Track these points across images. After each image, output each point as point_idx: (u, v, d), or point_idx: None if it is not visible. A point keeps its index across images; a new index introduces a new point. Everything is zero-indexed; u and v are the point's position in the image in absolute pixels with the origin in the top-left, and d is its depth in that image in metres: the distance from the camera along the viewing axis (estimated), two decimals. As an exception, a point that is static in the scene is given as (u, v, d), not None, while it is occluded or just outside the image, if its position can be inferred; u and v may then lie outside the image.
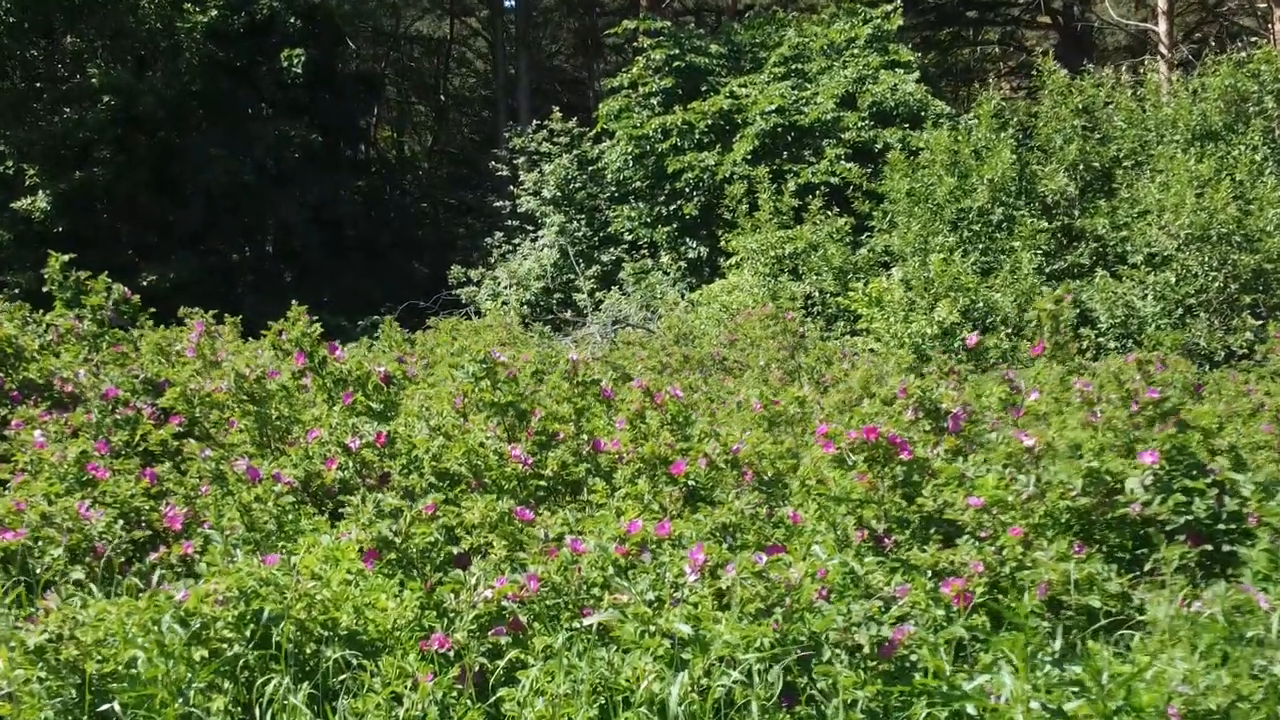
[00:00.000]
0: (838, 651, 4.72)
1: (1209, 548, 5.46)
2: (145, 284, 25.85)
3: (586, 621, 5.00)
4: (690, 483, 6.69)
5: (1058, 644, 4.23)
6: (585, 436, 7.61)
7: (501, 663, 4.98)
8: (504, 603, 5.13)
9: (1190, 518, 5.48)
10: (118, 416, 8.14)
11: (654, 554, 5.42)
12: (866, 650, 4.60)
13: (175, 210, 31.41)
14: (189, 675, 4.83)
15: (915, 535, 5.73)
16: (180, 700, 4.74)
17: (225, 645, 4.98)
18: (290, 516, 6.57)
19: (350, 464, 7.16)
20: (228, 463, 7.04)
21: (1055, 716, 3.94)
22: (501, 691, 4.82)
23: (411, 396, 8.60)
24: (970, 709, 4.22)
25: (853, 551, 5.47)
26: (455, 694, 4.86)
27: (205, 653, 4.90)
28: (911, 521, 5.77)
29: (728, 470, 6.74)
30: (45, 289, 10.46)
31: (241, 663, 4.97)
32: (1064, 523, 5.60)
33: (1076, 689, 4.03)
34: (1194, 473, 5.60)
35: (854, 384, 9.04)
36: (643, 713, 4.52)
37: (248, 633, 4.99)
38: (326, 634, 5.10)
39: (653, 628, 4.77)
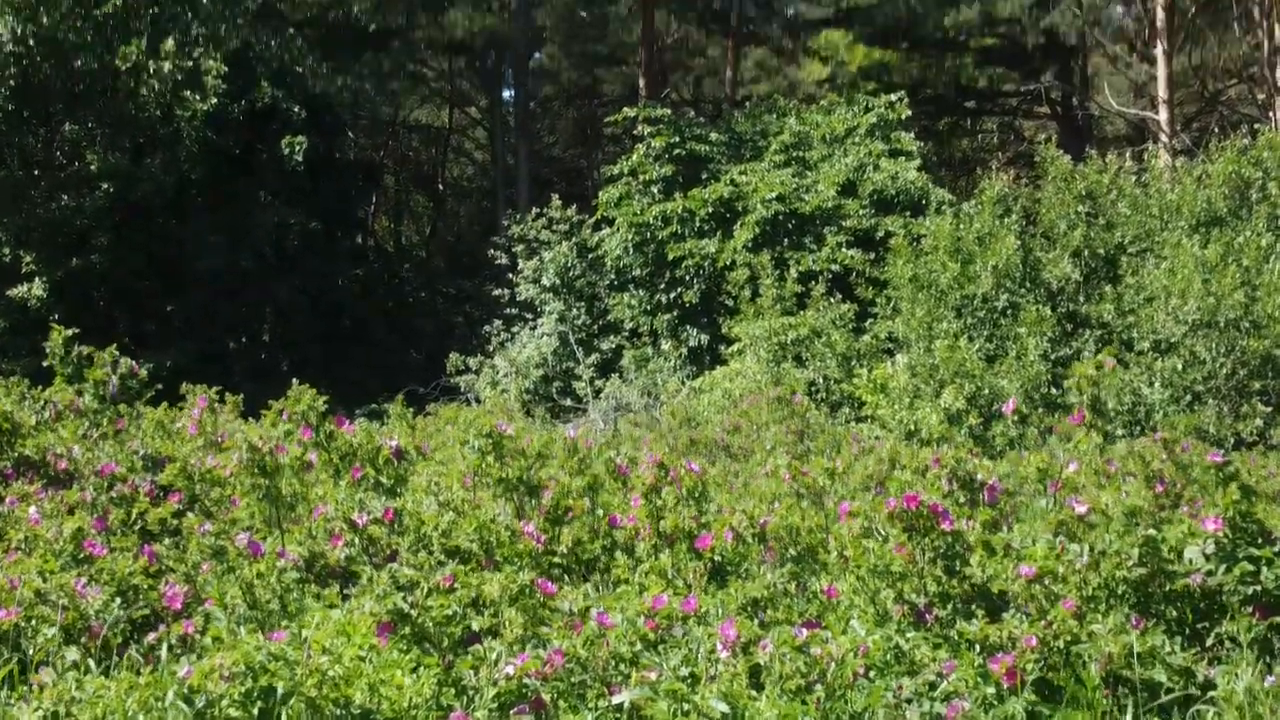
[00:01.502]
0: (881, 731, 4.44)
1: (1279, 620, 5.17)
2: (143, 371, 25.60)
3: (615, 700, 4.71)
4: (716, 557, 6.43)
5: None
6: (600, 512, 7.36)
7: (525, 744, 4.69)
8: (526, 680, 4.84)
9: (1258, 588, 5.20)
10: (114, 494, 7.89)
11: (685, 628, 5.15)
12: (918, 729, 4.32)
13: (173, 297, 31.24)
14: (192, 756, 4.54)
15: (957, 610, 5.45)
16: (183, 783, 4.46)
17: (231, 724, 4.69)
18: (294, 594, 6.30)
19: (356, 540, 6.91)
20: (228, 538, 6.76)
21: (1129, 799, 3.65)
22: (525, 775, 4.53)
23: (419, 473, 8.36)
24: (1033, 791, 3.94)
25: (894, 627, 5.19)
26: (475, 777, 4.57)
27: (210, 732, 4.61)
28: (953, 595, 5.49)
29: (754, 544, 6.47)
30: (46, 364, 10.25)
31: (249, 743, 4.68)
32: (1119, 594, 5.32)
33: (1148, 769, 3.75)
34: (1259, 540, 5.32)
35: (884, 454, 8.80)
36: (679, 796, 4.23)
37: (255, 711, 4.69)
38: (339, 712, 4.80)
39: (687, 705, 4.49)
